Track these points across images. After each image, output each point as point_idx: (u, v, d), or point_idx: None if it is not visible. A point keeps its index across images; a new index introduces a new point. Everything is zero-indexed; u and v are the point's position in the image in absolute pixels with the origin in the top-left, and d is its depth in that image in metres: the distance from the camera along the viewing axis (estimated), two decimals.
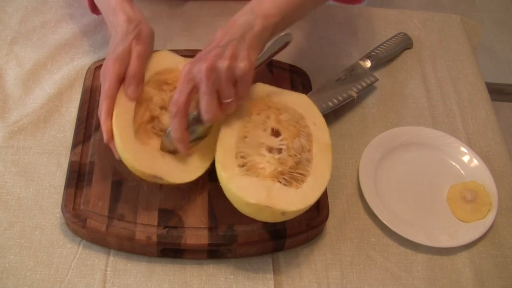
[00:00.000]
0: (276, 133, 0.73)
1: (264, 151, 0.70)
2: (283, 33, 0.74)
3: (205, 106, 0.67)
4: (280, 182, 0.67)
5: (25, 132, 0.82)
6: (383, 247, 0.76)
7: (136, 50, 0.72)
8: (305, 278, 0.72)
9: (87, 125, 0.79)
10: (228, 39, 0.68)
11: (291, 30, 0.75)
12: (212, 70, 0.65)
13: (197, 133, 0.71)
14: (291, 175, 0.69)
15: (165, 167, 0.69)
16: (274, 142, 0.71)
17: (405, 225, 0.76)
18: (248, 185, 0.66)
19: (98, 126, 0.79)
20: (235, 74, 0.67)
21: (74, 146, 0.77)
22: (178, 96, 0.67)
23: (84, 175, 0.74)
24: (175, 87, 0.71)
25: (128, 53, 0.72)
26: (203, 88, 0.66)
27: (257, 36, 0.70)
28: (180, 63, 0.77)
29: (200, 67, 0.65)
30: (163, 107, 0.75)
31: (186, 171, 0.71)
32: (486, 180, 0.81)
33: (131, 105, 0.71)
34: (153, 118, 0.74)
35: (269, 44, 0.73)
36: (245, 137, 0.71)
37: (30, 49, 0.92)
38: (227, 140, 0.70)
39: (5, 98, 0.85)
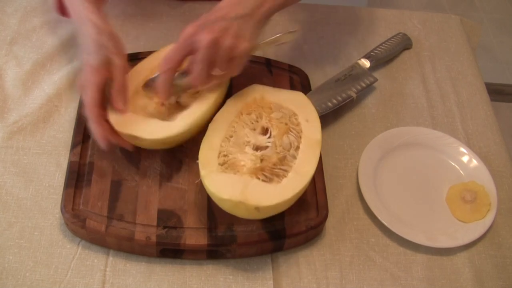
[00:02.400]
0: (266, 131, 0.73)
1: (248, 149, 0.71)
2: (293, 30, 0.78)
3: (198, 73, 0.69)
4: (259, 178, 0.67)
5: (25, 133, 0.82)
6: (383, 247, 0.76)
7: (119, 64, 0.72)
8: (305, 278, 0.72)
9: (87, 125, 0.79)
10: (237, 12, 0.69)
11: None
12: (215, 44, 0.67)
13: (179, 89, 0.74)
14: (273, 171, 0.69)
15: (144, 128, 0.71)
16: (262, 140, 0.72)
17: (404, 226, 0.76)
18: (223, 181, 0.67)
19: None
20: (234, 53, 0.69)
21: (74, 146, 0.77)
22: (174, 54, 0.69)
23: (84, 175, 0.74)
24: None
25: (105, 64, 0.71)
26: (201, 56, 0.68)
27: (264, 15, 0.72)
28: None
29: (204, 37, 0.67)
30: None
31: (165, 128, 0.72)
32: (486, 180, 0.81)
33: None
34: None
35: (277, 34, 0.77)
36: (231, 136, 0.72)
37: (29, 49, 0.91)
38: (212, 140, 0.71)
39: (5, 98, 0.85)
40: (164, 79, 0.71)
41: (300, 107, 0.75)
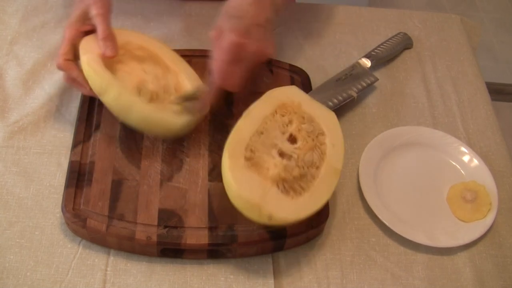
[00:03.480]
0: (293, 139, 0.73)
1: (274, 153, 0.70)
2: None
3: (239, 76, 0.76)
4: (278, 188, 0.67)
5: (25, 132, 0.82)
6: (383, 247, 0.76)
7: (95, 14, 0.75)
8: (305, 278, 0.72)
9: (87, 124, 0.79)
10: (267, 16, 0.74)
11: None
12: (261, 53, 0.75)
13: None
14: (291, 185, 0.69)
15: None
16: (288, 147, 0.71)
17: (405, 225, 0.76)
18: (246, 179, 0.66)
19: (98, 125, 0.79)
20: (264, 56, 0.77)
21: (74, 146, 0.77)
22: (227, 66, 0.73)
23: (84, 175, 0.74)
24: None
25: (82, 19, 0.76)
26: (245, 64, 0.74)
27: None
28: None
29: (251, 48, 0.72)
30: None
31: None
32: (486, 180, 0.81)
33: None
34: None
35: None
36: (262, 133, 0.71)
37: (30, 48, 0.92)
38: (243, 131, 0.70)
39: (5, 98, 0.85)
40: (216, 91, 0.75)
41: (330, 129, 0.75)
